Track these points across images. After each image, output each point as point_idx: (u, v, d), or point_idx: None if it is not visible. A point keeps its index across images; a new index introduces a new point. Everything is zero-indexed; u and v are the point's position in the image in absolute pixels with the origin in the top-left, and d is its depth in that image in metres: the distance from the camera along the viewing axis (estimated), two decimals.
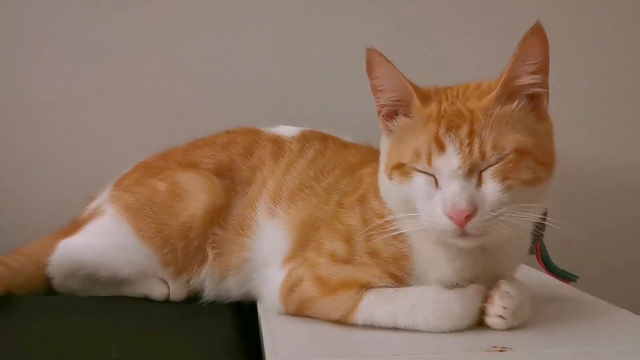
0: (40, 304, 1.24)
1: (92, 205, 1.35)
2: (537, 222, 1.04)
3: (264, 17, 1.83)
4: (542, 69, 0.98)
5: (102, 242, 1.27)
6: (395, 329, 1.01)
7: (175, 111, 1.80)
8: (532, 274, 1.31)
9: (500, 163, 0.94)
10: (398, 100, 1.03)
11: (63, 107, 1.78)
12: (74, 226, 1.34)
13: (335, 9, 1.86)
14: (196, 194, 1.26)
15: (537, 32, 0.95)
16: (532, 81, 0.98)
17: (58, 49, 1.78)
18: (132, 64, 1.80)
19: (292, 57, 1.85)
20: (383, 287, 1.05)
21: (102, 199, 1.34)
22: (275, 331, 1.04)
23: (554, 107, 1.02)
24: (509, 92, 0.97)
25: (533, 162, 0.95)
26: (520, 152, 0.94)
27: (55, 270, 1.29)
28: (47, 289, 1.31)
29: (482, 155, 0.93)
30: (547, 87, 0.99)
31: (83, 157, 1.78)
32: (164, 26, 1.80)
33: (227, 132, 1.38)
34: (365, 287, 1.05)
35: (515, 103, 0.98)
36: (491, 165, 0.94)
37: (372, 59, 1.02)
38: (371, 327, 1.02)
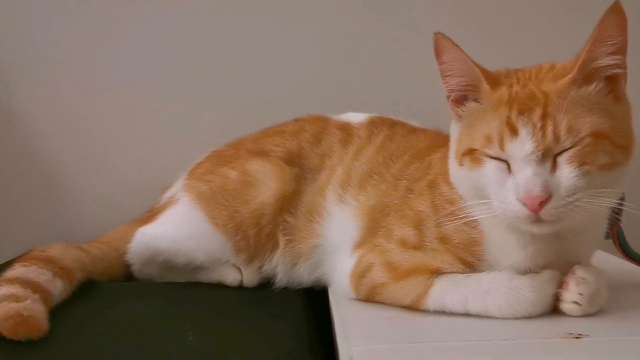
0: (120, 289, 1.28)
1: (168, 194, 1.38)
2: (614, 207, 1.01)
3: (323, 5, 1.84)
4: (621, 49, 0.94)
5: (177, 230, 1.30)
6: (466, 315, 1.00)
7: (240, 104, 1.83)
8: (609, 260, 1.27)
9: (577, 147, 0.91)
10: (467, 85, 1.01)
11: (133, 101, 1.83)
12: (151, 214, 1.37)
13: None
14: (267, 182, 1.28)
15: (616, 11, 0.91)
16: (612, 62, 0.94)
17: (132, 45, 1.83)
18: (199, 61, 1.83)
19: (353, 44, 1.84)
20: (454, 272, 1.04)
21: (177, 187, 1.37)
22: (346, 317, 1.05)
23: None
24: (586, 74, 0.94)
25: (610, 146, 0.92)
26: (597, 136, 0.91)
27: (134, 257, 1.33)
28: (127, 275, 1.35)
29: (556, 138, 0.91)
30: (626, 68, 0.96)
31: (155, 150, 1.83)
32: (229, 25, 1.84)
33: (296, 120, 1.40)
34: (436, 272, 1.05)
35: (593, 85, 0.94)
36: (566, 150, 0.91)
37: (440, 44, 1.00)
38: (442, 313, 1.02)
